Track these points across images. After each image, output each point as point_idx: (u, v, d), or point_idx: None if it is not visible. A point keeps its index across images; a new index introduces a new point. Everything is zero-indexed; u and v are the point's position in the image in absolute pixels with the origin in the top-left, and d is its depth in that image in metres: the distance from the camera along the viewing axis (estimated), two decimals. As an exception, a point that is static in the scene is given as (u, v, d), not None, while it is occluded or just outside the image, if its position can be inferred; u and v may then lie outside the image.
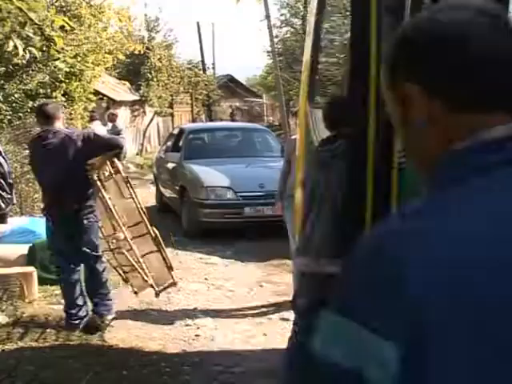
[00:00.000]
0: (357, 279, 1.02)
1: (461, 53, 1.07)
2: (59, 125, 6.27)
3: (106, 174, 5.98)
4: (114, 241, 5.89)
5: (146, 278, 5.86)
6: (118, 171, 5.98)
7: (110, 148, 6.06)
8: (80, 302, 6.08)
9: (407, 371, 0.93)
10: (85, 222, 5.95)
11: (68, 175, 5.85)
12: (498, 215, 0.99)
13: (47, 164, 6.00)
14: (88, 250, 5.94)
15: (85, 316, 6.08)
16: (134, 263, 5.83)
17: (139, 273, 5.84)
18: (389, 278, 0.97)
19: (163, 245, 6.10)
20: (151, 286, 5.97)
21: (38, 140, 6.28)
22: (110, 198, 5.85)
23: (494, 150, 1.06)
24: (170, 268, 6.17)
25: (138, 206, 6.01)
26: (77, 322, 6.02)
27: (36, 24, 3.68)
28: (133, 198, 6.00)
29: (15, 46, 3.57)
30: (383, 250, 1.00)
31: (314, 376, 1.07)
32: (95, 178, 5.85)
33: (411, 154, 1.19)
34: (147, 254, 6.03)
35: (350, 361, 0.99)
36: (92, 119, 15.55)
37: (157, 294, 6.10)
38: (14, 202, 8.21)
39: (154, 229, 6.03)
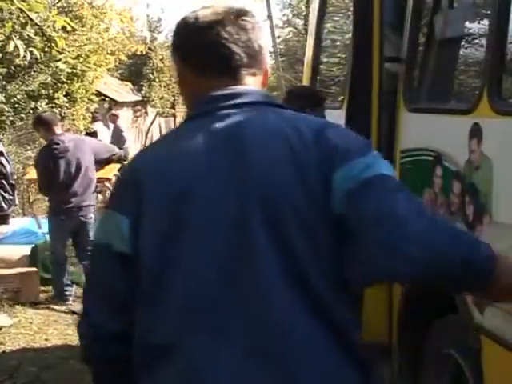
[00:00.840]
0: (116, 184, 1.84)
1: (178, 42, 1.77)
2: (59, 130, 6.90)
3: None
4: None
5: None
6: None
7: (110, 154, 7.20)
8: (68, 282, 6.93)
9: (132, 233, 1.60)
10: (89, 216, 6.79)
11: (78, 175, 6.71)
12: (183, 146, 1.65)
13: (62, 165, 6.71)
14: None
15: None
16: None
17: None
18: (128, 177, 1.70)
19: None
20: None
21: (48, 147, 6.91)
22: None
23: (205, 103, 1.69)
24: None
25: None
26: (67, 294, 6.81)
27: (37, 25, 3.67)
28: None
29: (16, 47, 3.57)
30: (130, 163, 1.79)
31: (92, 256, 1.81)
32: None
33: (184, 101, 1.84)
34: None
35: (106, 238, 1.66)
36: (94, 120, 15.52)
37: None
38: (16, 203, 8.22)
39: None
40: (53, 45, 3.36)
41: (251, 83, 1.71)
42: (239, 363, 1.53)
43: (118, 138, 13.43)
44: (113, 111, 16.93)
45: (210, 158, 1.61)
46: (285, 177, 1.57)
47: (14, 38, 3.55)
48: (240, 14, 1.72)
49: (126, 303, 1.63)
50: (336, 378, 1.56)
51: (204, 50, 1.69)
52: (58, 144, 6.66)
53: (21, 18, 3.62)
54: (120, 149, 12.51)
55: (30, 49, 3.83)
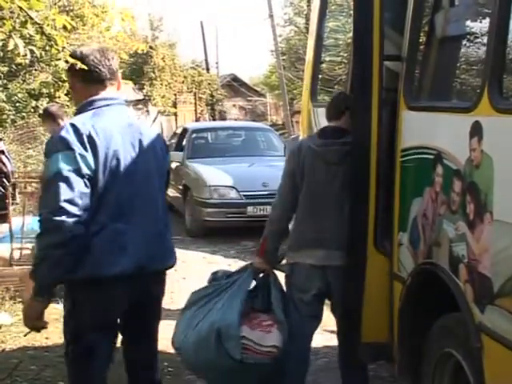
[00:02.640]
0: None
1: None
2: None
3: None
4: None
5: None
6: None
7: None
8: None
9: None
10: None
11: None
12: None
13: None
14: None
15: None
16: None
17: None
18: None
19: None
20: None
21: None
22: None
23: (93, 102, 3.31)
24: None
25: None
26: None
27: (37, 23, 3.67)
28: None
29: (16, 45, 3.57)
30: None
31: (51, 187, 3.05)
32: None
33: (75, 101, 3.54)
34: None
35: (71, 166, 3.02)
36: None
37: None
38: (18, 201, 8.22)
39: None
40: (53, 43, 3.36)
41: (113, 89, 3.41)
42: (141, 237, 3.20)
43: None
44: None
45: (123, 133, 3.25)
46: (156, 149, 3.41)
47: (14, 37, 3.55)
48: (106, 49, 3.37)
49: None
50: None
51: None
52: None
53: (20, 17, 3.62)
54: None
55: (30, 47, 3.83)
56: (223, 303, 4.14)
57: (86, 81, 3.29)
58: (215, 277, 4.44)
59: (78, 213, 3.00)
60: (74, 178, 3.00)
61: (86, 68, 3.23)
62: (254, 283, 4.29)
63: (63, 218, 2.96)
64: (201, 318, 4.17)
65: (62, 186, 2.98)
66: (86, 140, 3.07)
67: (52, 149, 3.10)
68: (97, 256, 3.09)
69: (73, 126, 3.11)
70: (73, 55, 3.35)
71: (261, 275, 4.30)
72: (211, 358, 4.04)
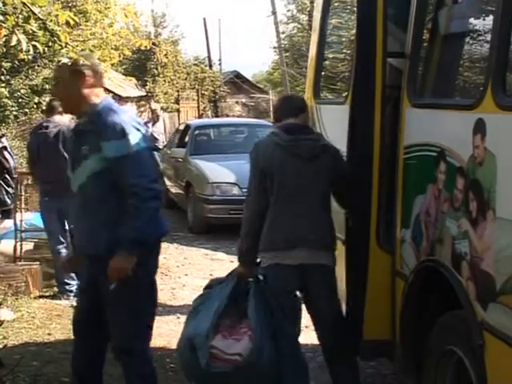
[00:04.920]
0: None
1: None
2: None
3: None
4: None
5: None
6: None
7: None
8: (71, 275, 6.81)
9: None
10: None
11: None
12: None
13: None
14: None
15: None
16: None
17: None
18: None
19: None
20: None
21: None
22: None
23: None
24: None
25: None
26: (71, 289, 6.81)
27: (40, 19, 3.67)
28: None
29: (19, 41, 3.56)
30: None
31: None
32: None
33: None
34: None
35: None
36: (155, 121, 15.40)
37: None
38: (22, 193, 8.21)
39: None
40: (56, 39, 3.36)
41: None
42: None
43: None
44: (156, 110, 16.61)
45: None
46: None
47: (17, 32, 3.55)
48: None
49: None
50: None
51: None
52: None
53: (23, 12, 3.62)
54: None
55: (33, 43, 3.83)
56: (203, 312, 4.15)
57: None
58: (208, 284, 4.41)
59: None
60: (151, 154, 3.82)
61: None
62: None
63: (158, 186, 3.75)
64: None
65: (150, 159, 3.74)
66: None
67: (126, 130, 3.62)
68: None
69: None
70: None
71: (249, 279, 4.21)
72: (188, 366, 4.18)
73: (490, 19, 3.36)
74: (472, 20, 3.86)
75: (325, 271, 4.07)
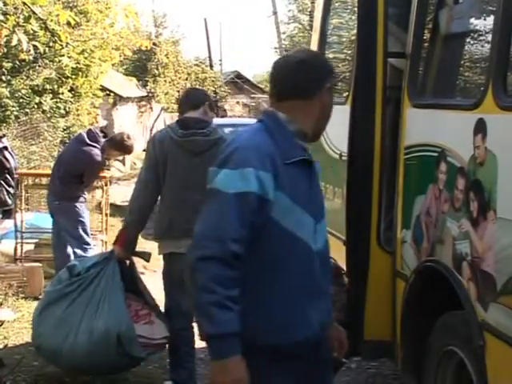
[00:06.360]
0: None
1: None
2: None
3: None
4: None
5: None
6: None
7: None
8: None
9: (276, 185, 2.32)
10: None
11: None
12: None
13: None
14: None
15: None
16: None
17: None
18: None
19: None
20: None
21: None
22: None
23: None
24: None
25: None
26: None
27: (40, 19, 3.67)
28: None
29: (19, 41, 3.56)
30: None
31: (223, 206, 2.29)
32: None
33: None
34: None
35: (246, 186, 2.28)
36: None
37: None
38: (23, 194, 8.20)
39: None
40: (56, 39, 3.36)
41: None
42: None
43: None
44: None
45: None
46: None
47: (18, 32, 3.54)
48: None
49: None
50: None
51: None
52: None
53: (24, 12, 3.62)
54: None
55: (34, 43, 3.83)
56: (108, 302, 4.23)
57: None
58: (73, 271, 4.48)
59: None
60: None
61: None
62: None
63: None
64: (79, 318, 4.26)
65: None
66: None
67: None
68: None
69: None
70: None
71: (127, 263, 4.48)
72: (110, 360, 4.25)
73: (490, 19, 3.36)
74: (473, 20, 3.85)
75: None
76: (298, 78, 2.45)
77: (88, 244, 6.72)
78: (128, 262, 4.51)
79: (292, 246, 2.37)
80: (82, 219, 6.69)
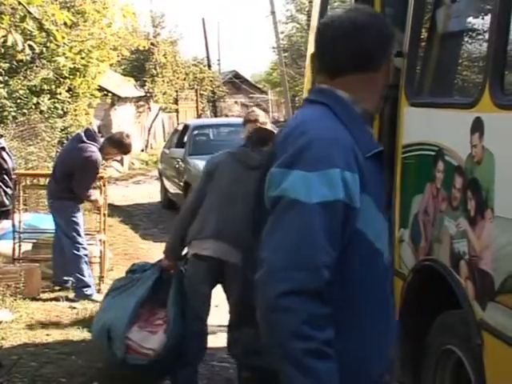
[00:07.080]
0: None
1: None
2: None
3: None
4: None
5: None
6: None
7: None
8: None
9: (361, 188, 1.82)
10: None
11: None
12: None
13: None
14: None
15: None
16: None
17: None
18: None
19: None
20: None
21: None
22: None
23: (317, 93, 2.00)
24: None
25: None
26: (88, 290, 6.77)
27: (36, 18, 3.66)
28: None
29: (15, 41, 3.55)
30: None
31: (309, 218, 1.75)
32: None
33: None
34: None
35: (334, 194, 1.76)
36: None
37: None
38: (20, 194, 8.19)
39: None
40: (52, 38, 3.36)
41: None
42: None
43: None
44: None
45: None
46: None
47: (13, 32, 3.53)
48: None
49: None
50: None
51: None
52: None
53: (19, 12, 3.61)
54: None
55: (29, 43, 3.81)
56: (122, 300, 4.37)
57: None
58: (132, 268, 4.64)
59: None
60: None
61: None
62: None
63: None
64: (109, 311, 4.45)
65: None
66: None
67: None
68: None
69: None
70: None
71: (171, 271, 4.46)
72: (105, 355, 4.44)
73: (487, 18, 3.35)
74: (470, 19, 3.85)
75: None
76: (361, 46, 1.92)
77: (80, 244, 6.75)
78: (172, 271, 4.44)
79: (375, 262, 1.90)
80: (75, 219, 6.73)
